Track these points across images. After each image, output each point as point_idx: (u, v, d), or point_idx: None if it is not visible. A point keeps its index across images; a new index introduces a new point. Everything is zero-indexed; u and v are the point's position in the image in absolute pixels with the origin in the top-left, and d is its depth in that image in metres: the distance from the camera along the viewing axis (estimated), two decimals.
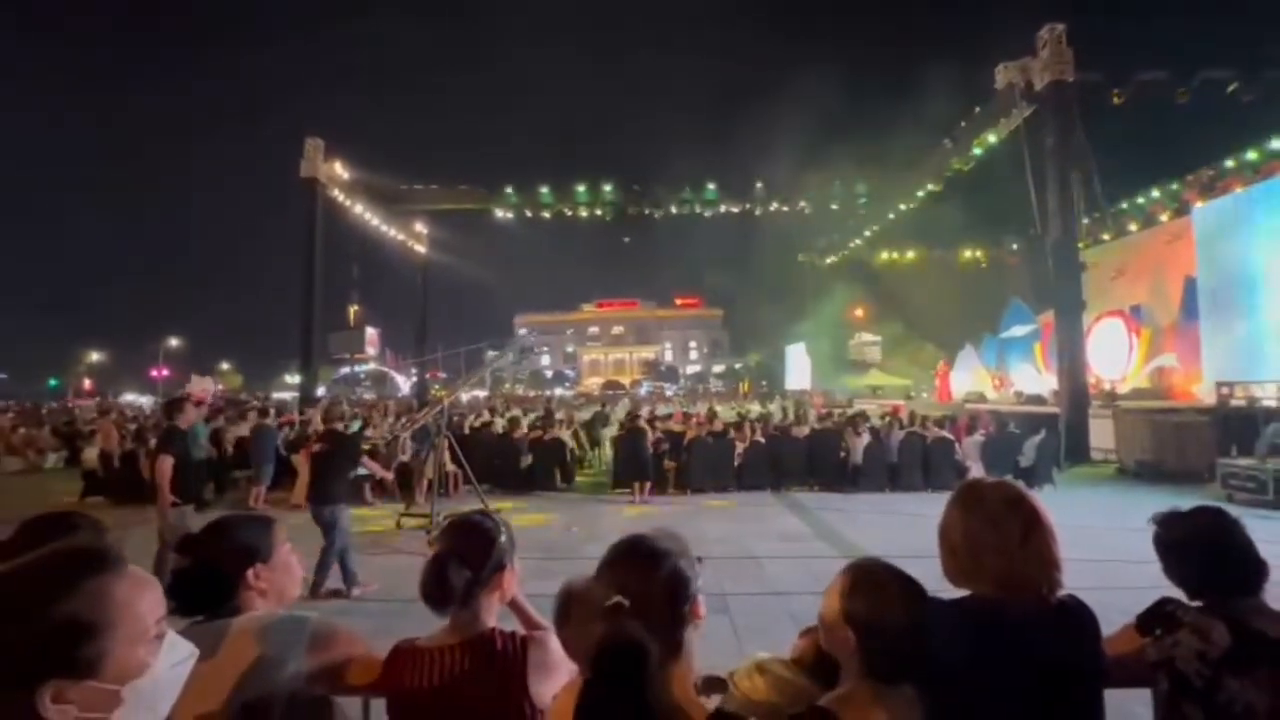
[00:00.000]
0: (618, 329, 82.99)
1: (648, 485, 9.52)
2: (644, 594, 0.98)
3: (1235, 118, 15.22)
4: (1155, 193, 19.85)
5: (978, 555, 1.26)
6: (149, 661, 0.79)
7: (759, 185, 21.51)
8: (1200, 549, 1.32)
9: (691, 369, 74.90)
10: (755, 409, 20.69)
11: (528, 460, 10.61)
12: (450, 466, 9.28)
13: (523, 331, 76.81)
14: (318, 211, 18.57)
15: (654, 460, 9.86)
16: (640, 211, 21.64)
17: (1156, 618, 1.33)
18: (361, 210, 20.87)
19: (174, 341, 46.85)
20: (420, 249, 25.31)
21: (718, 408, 16.08)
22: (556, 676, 1.24)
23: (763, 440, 10.67)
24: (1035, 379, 21.44)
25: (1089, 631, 1.26)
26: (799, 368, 39.52)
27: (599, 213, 21.49)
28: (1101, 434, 12.47)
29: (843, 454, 10.34)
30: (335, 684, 1.32)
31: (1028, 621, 1.21)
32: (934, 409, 16.39)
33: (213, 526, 1.36)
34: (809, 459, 10.43)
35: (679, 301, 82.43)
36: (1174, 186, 19.16)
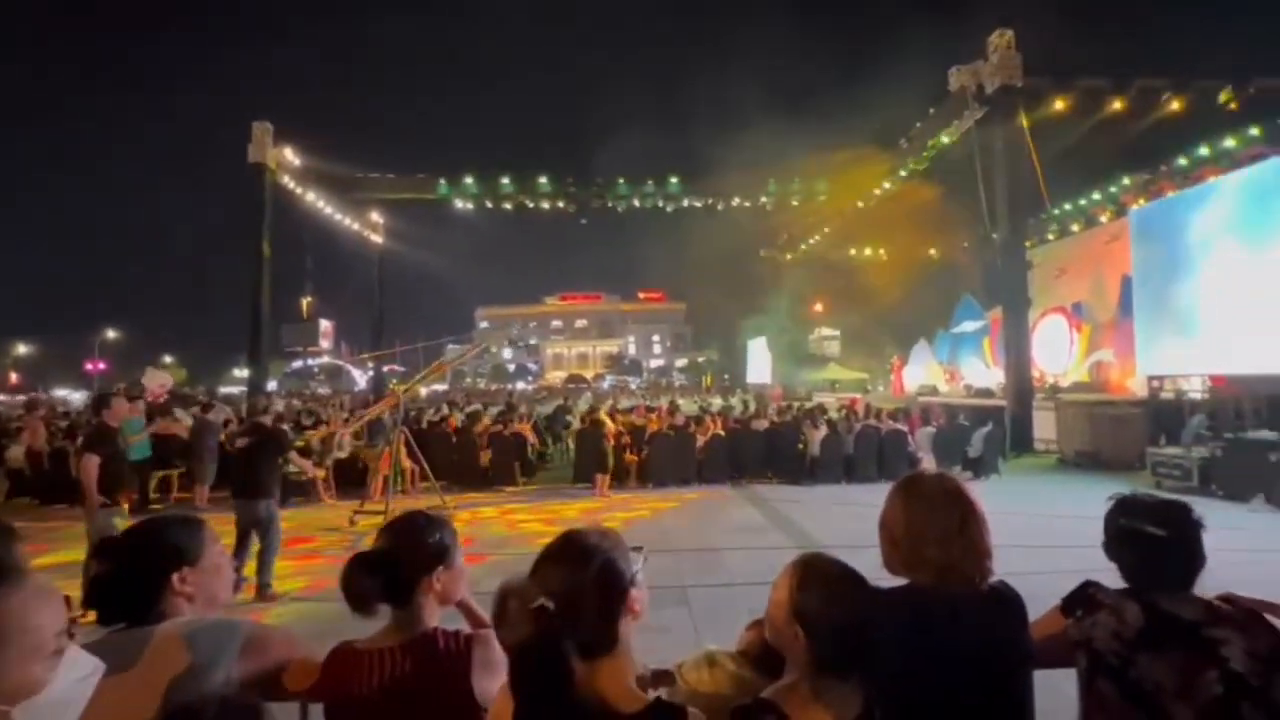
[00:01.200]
0: (581, 322, 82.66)
1: (608, 478, 9.53)
2: (575, 592, 1.00)
3: (1170, 124, 16.07)
4: (1096, 194, 20.79)
5: (919, 546, 1.29)
6: (45, 679, 0.74)
7: (722, 180, 21.68)
8: (1149, 539, 1.33)
9: (655, 363, 75.22)
10: (717, 403, 20.92)
11: (487, 455, 10.48)
12: (406, 462, 9.10)
13: (484, 324, 75.72)
14: (266, 199, 17.90)
15: (615, 454, 9.87)
16: (603, 204, 21.55)
17: (1078, 600, 1.38)
18: (314, 198, 20.19)
19: (111, 333, 44.43)
20: (376, 239, 24.65)
21: (680, 401, 16.19)
22: (502, 674, 1.22)
23: (723, 434, 10.79)
24: (984, 373, 22.26)
25: (1017, 617, 1.32)
26: (760, 362, 40.14)
27: (561, 205, 21.31)
28: (1044, 425, 13.05)
29: (801, 446, 10.54)
30: (272, 690, 1.27)
31: (962, 608, 1.26)
32: (889, 402, 16.87)
33: (135, 529, 1.29)
34: (768, 452, 10.60)
35: (642, 295, 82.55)
36: (1113, 189, 20.10)
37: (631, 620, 1.05)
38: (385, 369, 29.03)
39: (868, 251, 28.75)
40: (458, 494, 9.20)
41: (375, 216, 24.03)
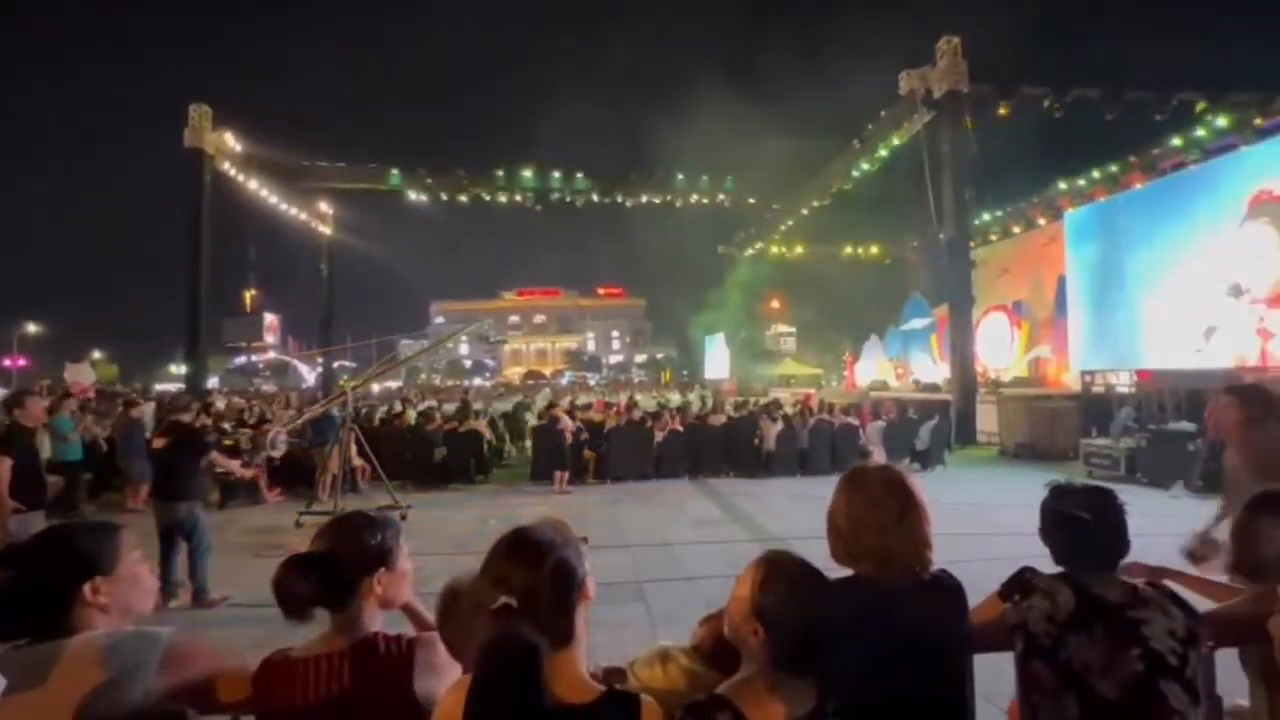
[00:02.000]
0: (539, 318, 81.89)
1: (566, 475, 9.47)
2: (531, 588, 0.99)
3: (1101, 132, 16.96)
4: (1034, 198, 21.80)
5: (860, 536, 1.33)
6: None
7: (679, 177, 21.78)
8: (1078, 523, 1.40)
9: (614, 359, 75.18)
10: (675, 398, 21.07)
11: (442, 453, 10.25)
12: (357, 460, 8.82)
13: (439, 319, 74.00)
14: (204, 186, 17.06)
15: (573, 449, 9.81)
16: (561, 199, 21.38)
17: (1015, 585, 1.45)
18: (257, 187, 19.33)
19: (32, 327, 41.52)
20: (325, 230, 23.77)
21: (639, 397, 16.21)
22: (446, 676, 1.19)
23: (680, 429, 10.85)
24: (932, 368, 23.08)
25: (958, 605, 1.36)
26: (718, 358, 40.59)
27: (519, 199, 21.04)
28: (987, 418, 13.62)
29: (757, 441, 10.69)
30: (201, 703, 1.21)
31: (903, 597, 1.29)
32: (842, 397, 17.30)
33: (41, 537, 1.20)
34: (725, 446, 10.72)
35: (601, 291, 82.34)
36: (1050, 193, 21.10)
37: (584, 607, 1.06)
38: (335, 365, 28.09)
39: (822, 250, 29.41)
40: (412, 493, 8.98)
41: (324, 207, 23.21)
